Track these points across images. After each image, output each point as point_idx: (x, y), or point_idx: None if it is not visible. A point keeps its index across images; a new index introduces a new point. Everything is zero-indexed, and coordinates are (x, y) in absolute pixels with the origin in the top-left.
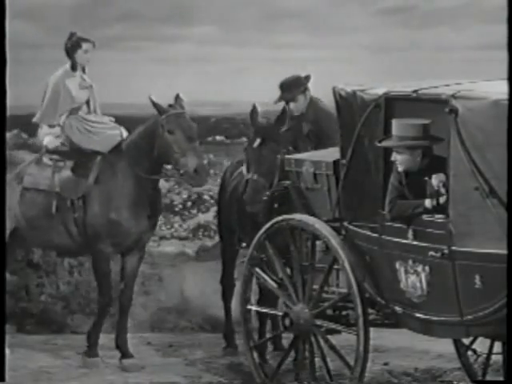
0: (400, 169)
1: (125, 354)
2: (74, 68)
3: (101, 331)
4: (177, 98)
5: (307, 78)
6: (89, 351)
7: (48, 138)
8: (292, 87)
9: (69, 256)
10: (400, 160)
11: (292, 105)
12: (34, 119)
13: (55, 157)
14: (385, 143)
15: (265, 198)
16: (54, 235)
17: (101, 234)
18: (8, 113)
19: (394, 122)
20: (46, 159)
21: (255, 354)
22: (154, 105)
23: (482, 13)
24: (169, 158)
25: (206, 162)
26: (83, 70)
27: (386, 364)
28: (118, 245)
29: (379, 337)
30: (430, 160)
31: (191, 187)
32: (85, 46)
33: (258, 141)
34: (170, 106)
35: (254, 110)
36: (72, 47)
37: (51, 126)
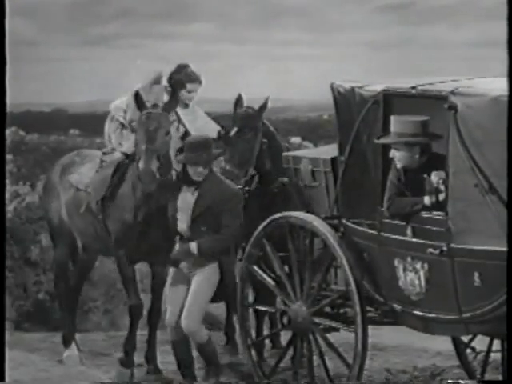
0: (398, 166)
1: (152, 369)
2: (171, 105)
3: (136, 339)
4: (171, 96)
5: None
6: (124, 360)
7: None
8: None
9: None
10: (398, 157)
11: None
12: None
13: (105, 158)
14: (383, 140)
15: (239, 186)
16: (88, 235)
17: (117, 239)
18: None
19: (393, 119)
20: (98, 160)
21: (253, 352)
22: (136, 101)
23: (480, 10)
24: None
25: (155, 167)
26: (186, 105)
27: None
28: (135, 251)
29: (377, 334)
30: (429, 157)
31: None
32: (190, 86)
33: (234, 129)
34: (154, 105)
35: (238, 99)
36: (175, 85)
37: (113, 122)
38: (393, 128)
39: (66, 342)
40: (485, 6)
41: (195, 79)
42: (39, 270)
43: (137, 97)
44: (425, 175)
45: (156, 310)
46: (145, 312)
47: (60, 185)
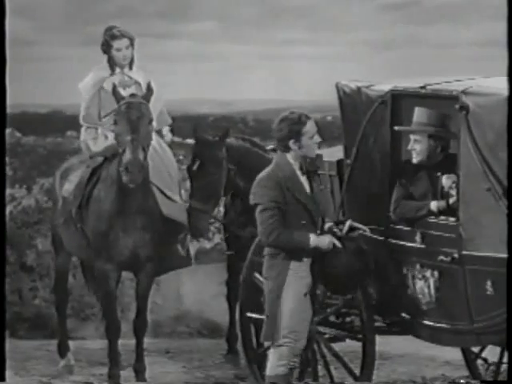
0: (415, 160)
1: (140, 380)
2: (111, 68)
3: (118, 357)
4: (147, 86)
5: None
6: (109, 376)
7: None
8: None
9: None
10: (418, 150)
11: None
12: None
13: (90, 162)
14: (405, 128)
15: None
16: (73, 246)
17: (95, 248)
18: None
19: (417, 109)
20: (85, 165)
21: (255, 364)
22: (114, 93)
23: (485, 9)
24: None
25: (142, 157)
26: (129, 67)
27: None
28: (114, 261)
29: (383, 343)
30: (445, 157)
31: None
32: (116, 44)
33: (197, 163)
34: (132, 95)
35: (196, 127)
36: (103, 47)
37: (89, 129)
38: (416, 118)
39: (62, 352)
40: (492, 5)
41: (120, 35)
42: (35, 275)
43: (114, 90)
44: (438, 174)
45: (142, 319)
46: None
47: (59, 191)
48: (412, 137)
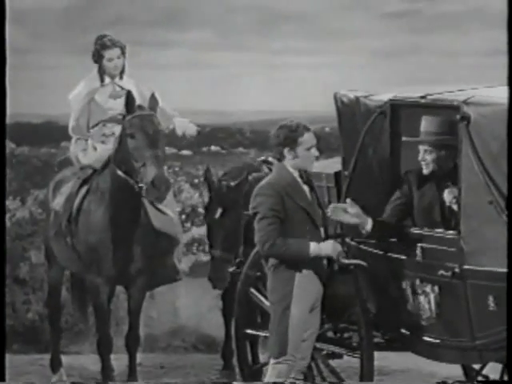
0: (426, 171)
1: None
2: (101, 79)
3: (111, 372)
4: (151, 98)
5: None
6: None
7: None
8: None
9: None
10: (430, 159)
11: None
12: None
13: (80, 174)
14: (415, 138)
15: (231, 270)
16: (65, 259)
17: (86, 263)
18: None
19: (424, 118)
20: (77, 177)
21: (251, 380)
22: (127, 101)
23: (488, 17)
24: (129, 168)
25: (166, 172)
26: (120, 76)
27: None
28: (104, 275)
29: (383, 358)
30: (453, 166)
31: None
32: (107, 54)
33: (219, 211)
34: (139, 107)
35: (207, 172)
36: (94, 57)
37: (79, 141)
38: (424, 127)
39: (55, 367)
40: (492, 14)
41: (111, 45)
42: (28, 288)
43: (129, 97)
44: (448, 183)
45: (134, 334)
46: None
47: (51, 203)
48: (421, 147)
